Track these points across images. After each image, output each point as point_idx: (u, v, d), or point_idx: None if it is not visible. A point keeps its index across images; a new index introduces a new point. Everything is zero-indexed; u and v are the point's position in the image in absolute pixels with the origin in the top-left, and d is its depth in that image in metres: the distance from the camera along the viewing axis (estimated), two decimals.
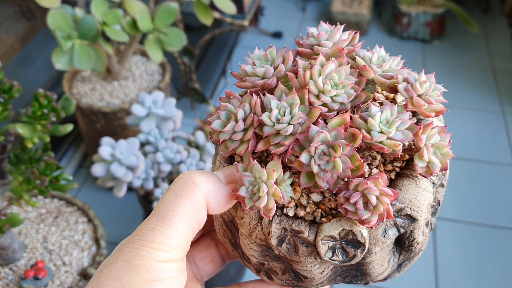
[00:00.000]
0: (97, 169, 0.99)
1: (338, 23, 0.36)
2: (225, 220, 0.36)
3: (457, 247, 1.44)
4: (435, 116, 0.32)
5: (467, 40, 2.25)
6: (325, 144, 0.30)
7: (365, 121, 0.30)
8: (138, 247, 0.28)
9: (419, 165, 0.31)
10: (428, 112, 0.32)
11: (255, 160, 0.31)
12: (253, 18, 2.21)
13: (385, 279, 0.35)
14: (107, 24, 1.12)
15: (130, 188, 1.07)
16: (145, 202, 1.17)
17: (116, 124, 1.41)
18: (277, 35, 2.26)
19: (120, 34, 1.13)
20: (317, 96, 0.31)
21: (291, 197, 0.31)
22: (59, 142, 1.66)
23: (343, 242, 0.31)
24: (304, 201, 0.32)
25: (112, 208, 1.50)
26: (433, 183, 0.33)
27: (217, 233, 0.38)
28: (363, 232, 0.30)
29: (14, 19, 1.50)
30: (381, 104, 0.34)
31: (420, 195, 0.31)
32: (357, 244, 0.31)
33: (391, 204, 0.30)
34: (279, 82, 0.33)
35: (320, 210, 0.32)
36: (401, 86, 0.32)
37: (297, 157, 0.30)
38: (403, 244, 0.34)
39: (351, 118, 0.31)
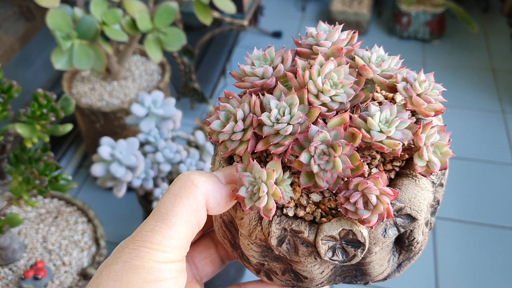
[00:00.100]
0: (97, 169, 0.99)
1: (337, 22, 0.36)
2: (224, 221, 0.36)
3: (457, 246, 1.44)
4: (435, 115, 0.32)
5: (467, 40, 2.25)
6: (325, 143, 0.30)
7: (365, 120, 0.30)
8: (138, 248, 0.28)
9: (419, 164, 0.30)
10: (427, 111, 0.32)
11: (254, 160, 0.31)
12: (253, 18, 2.21)
13: (385, 279, 0.35)
14: (107, 24, 1.12)
15: (130, 188, 1.07)
16: (145, 202, 1.17)
17: (115, 124, 1.41)
18: (277, 34, 2.26)
19: (120, 34, 1.13)
20: (317, 96, 0.31)
21: (291, 197, 0.31)
22: (58, 142, 1.66)
23: (343, 242, 0.30)
24: (304, 201, 0.32)
25: (112, 208, 1.50)
26: (433, 182, 0.33)
27: (217, 233, 0.38)
28: (363, 231, 0.30)
29: (14, 19, 1.50)
30: (380, 103, 0.34)
31: (420, 195, 0.31)
32: (357, 244, 0.30)
33: (391, 203, 0.30)
34: (278, 82, 0.32)
35: (320, 210, 0.32)
36: (400, 86, 0.32)
37: (297, 157, 0.30)
38: (403, 243, 0.34)
39: (350, 117, 0.31)
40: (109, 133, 1.38)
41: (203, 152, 1.11)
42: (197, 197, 0.30)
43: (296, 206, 0.32)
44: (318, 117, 0.31)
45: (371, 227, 0.30)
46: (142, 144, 1.07)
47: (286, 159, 0.31)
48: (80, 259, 0.92)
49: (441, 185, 0.34)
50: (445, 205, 1.55)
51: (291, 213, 0.31)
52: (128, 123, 1.10)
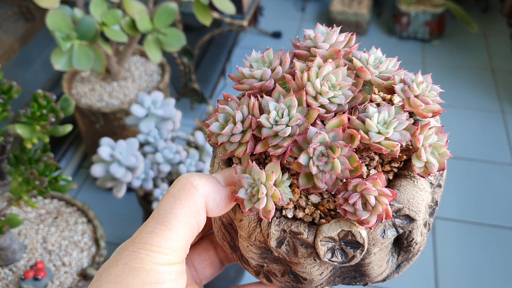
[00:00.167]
0: (97, 170, 0.99)
1: (334, 25, 0.36)
2: (223, 223, 0.36)
3: (456, 246, 1.44)
4: (432, 116, 0.33)
5: (467, 40, 2.26)
6: (324, 145, 0.30)
7: (363, 122, 0.31)
8: (138, 250, 0.28)
9: (417, 165, 0.31)
10: (425, 112, 0.32)
11: (253, 162, 0.31)
12: (252, 18, 2.21)
13: (384, 279, 0.35)
14: (106, 25, 1.12)
15: (130, 189, 1.07)
16: (145, 202, 1.17)
17: (115, 124, 1.41)
18: (277, 35, 2.26)
19: (119, 34, 1.13)
20: (315, 98, 0.31)
21: (290, 198, 0.31)
22: (58, 143, 1.66)
23: (342, 243, 0.31)
24: (303, 202, 0.32)
25: (112, 208, 1.50)
26: (431, 183, 0.33)
27: (216, 236, 0.38)
28: (362, 232, 0.30)
29: (13, 20, 1.50)
30: (378, 105, 0.34)
31: (418, 195, 0.31)
32: (356, 245, 0.31)
33: (390, 204, 0.30)
34: (276, 84, 0.33)
35: (319, 212, 0.32)
36: (398, 87, 0.32)
37: (296, 158, 0.30)
38: (401, 244, 0.34)
39: (348, 119, 0.31)
40: (109, 134, 1.38)
41: (203, 152, 1.11)
42: (197, 199, 0.30)
43: (295, 207, 0.32)
44: (316, 118, 0.31)
45: (370, 228, 0.30)
46: (141, 145, 1.07)
47: (285, 161, 0.32)
48: (80, 260, 0.93)
49: (439, 186, 0.34)
50: (445, 205, 1.55)
51: (290, 215, 0.31)
52: (128, 123, 1.10)
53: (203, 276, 0.39)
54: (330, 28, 0.36)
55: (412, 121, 0.34)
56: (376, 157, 0.33)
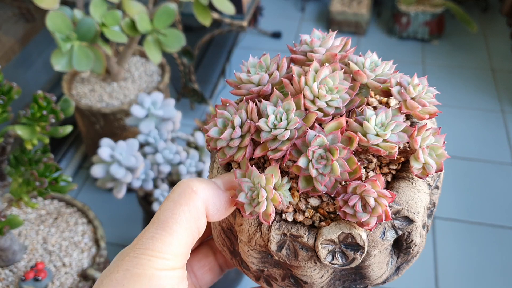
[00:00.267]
0: (97, 170, 0.99)
1: (330, 30, 0.36)
2: (223, 228, 0.36)
3: (456, 246, 1.44)
4: (429, 118, 0.33)
5: (466, 40, 2.26)
6: (322, 148, 0.30)
7: (361, 124, 0.31)
8: (139, 256, 0.28)
9: (415, 166, 0.31)
10: (422, 114, 0.33)
11: (253, 166, 0.31)
12: (252, 19, 2.21)
13: (384, 282, 0.35)
14: (106, 26, 1.12)
15: (130, 189, 1.07)
16: (145, 203, 1.17)
17: (115, 125, 1.41)
18: (276, 35, 2.26)
19: (119, 35, 1.13)
20: (313, 101, 0.31)
21: (289, 202, 0.31)
22: (58, 144, 1.66)
23: (343, 246, 0.31)
24: (302, 205, 0.32)
25: (112, 209, 1.50)
26: (429, 184, 0.33)
27: (216, 241, 0.38)
28: (362, 234, 0.30)
29: (13, 21, 1.51)
30: (374, 108, 0.34)
31: (417, 197, 0.32)
32: (356, 247, 0.31)
33: (389, 206, 0.30)
34: (274, 88, 0.33)
35: (318, 214, 0.32)
36: (394, 90, 0.32)
37: (295, 162, 0.30)
38: (401, 246, 0.34)
39: (346, 122, 0.31)
40: (109, 134, 1.38)
41: (203, 153, 1.11)
42: (197, 204, 0.30)
43: (295, 211, 0.32)
44: (314, 122, 0.31)
45: (370, 230, 0.30)
46: (141, 145, 1.07)
47: (284, 164, 0.32)
48: (80, 260, 0.93)
49: (437, 187, 0.35)
50: (444, 205, 1.55)
51: (290, 218, 0.32)
52: (128, 124, 1.10)
53: (203, 282, 0.39)
54: (325, 33, 0.36)
55: (409, 123, 0.34)
56: (374, 160, 0.33)
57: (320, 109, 0.31)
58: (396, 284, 1.32)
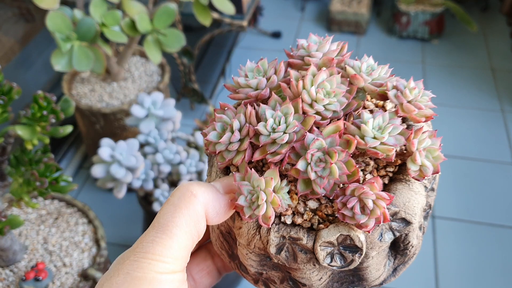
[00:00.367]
0: (97, 170, 0.99)
1: (327, 35, 0.36)
2: (222, 232, 0.36)
3: (456, 245, 1.44)
4: (425, 121, 0.33)
5: (466, 39, 2.26)
6: (321, 151, 0.30)
7: (358, 127, 0.31)
8: (139, 259, 0.28)
9: (412, 168, 0.31)
10: (418, 117, 0.33)
11: (252, 169, 0.31)
12: (252, 18, 2.21)
13: (381, 283, 0.35)
14: (106, 26, 1.12)
15: (130, 189, 1.08)
16: (145, 203, 1.17)
17: (115, 125, 1.41)
18: (276, 35, 2.27)
19: (119, 35, 1.14)
20: (311, 105, 0.32)
21: (288, 204, 0.32)
22: (59, 144, 1.66)
23: (341, 248, 0.31)
24: (301, 208, 0.32)
25: (112, 209, 1.50)
26: (425, 186, 0.33)
27: (214, 245, 0.38)
28: (360, 236, 0.31)
29: (13, 21, 1.51)
30: (371, 111, 0.34)
31: (414, 199, 0.32)
32: (355, 249, 0.31)
33: (387, 208, 0.30)
34: (272, 92, 0.33)
35: (317, 217, 0.32)
36: (391, 93, 0.33)
37: (293, 165, 0.30)
38: (398, 248, 0.34)
39: (344, 125, 0.31)
40: (109, 134, 1.38)
41: (203, 152, 1.11)
42: (197, 207, 0.30)
43: (293, 213, 0.32)
44: (313, 125, 0.31)
45: (368, 232, 0.30)
46: (142, 145, 1.08)
47: (283, 168, 0.32)
48: (80, 260, 0.93)
49: (433, 189, 0.35)
50: (445, 204, 1.55)
51: (289, 221, 0.32)
52: (128, 124, 1.10)
53: (201, 286, 0.39)
54: (322, 38, 0.36)
55: (406, 126, 0.34)
56: (372, 162, 0.33)
57: (318, 113, 0.32)
58: (397, 284, 1.32)
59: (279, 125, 0.31)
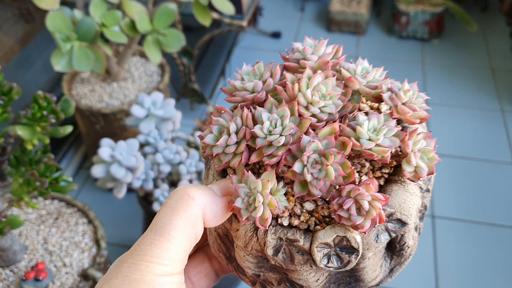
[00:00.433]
0: (97, 170, 0.99)
1: (322, 38, 0.37)
2: (219, 234, 0.37)
3: (456, 245, 1.45)
4: (420, 122, 0.34)
5: (466, 39, 2.26)
6: (317, 153, 0.30)
7: (354, 129, 0.31)
8: (137, 262, 0.29)
9: (407, 170, 0.32)
10: (412, 119, 0.33)
11: (249, 171, 0.31)
12: (252, 19, 2.22)
13: (377, 284, 0.35)
14: (106, 26, 1.12)
15: (130, 189, 1.08)
16: (145, 203, 1.17)
17: (115, 125, 1.41)
18: (276, 35, 2.27)
19: (119, 35, 1.14)
20: (306, 108, 0.32)
21: (285, 206, 0.32)
22: (59, 144, 1.67)
23: (338, 249, 0.31)
24: (297, 210, 0.32)
25: (112, 209, 1.50)
26: (420, 187, 0.34)
27: (211, 247, 0.39)
28: (356, 237, 0.31)
29: (13, 21, 1.51)
30: (366, 113, 0.35)
31: (409, 200, 0.32)
32: (351, 250, 0.31)
33: (382, 209, 0.31)
34: (268, 95, 0.33)
35: (313, 219, 0.32)
36: (386, 95, 0.33)
37: (290, 167, 0.31)
38: (394, 249, 0.34)
39: (339, 127, 0.31)
40: (109, 135, 1.39)
41: None
42: (194, 210, 0.31)
43: (290, 215, 0.33)
44: (308, 127, 0.32)
45: (365, 233, 0.31)
46: (142, 145, 1.08)
47: (279, 170, 0.32)
48: (80, 260, 0.93)
49: (428, 190, 0.35)
50: (444, 204, 1.56)
51: (285, 223, 0.32)
52: (128, 124, 1.11)
53: None
54: (317, 41, 0.36)
55: (400, 127, 0.35)
56: (367, 164, 0.33)
57: (313, 115, 0.32)
58: (397, 284, 1.33)
59: (276, 127, 0.31)
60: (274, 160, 0.31)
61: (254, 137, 0.32)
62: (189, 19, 1.65)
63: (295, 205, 0.33)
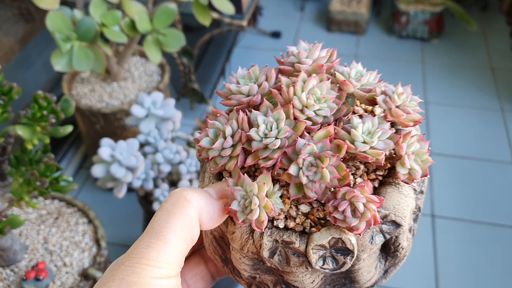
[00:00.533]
0: (97, 170, 1.00)
1: (316, 41, 0.37)
2: (215, 237, 0.37)
3: (456, 245, 1.45)
4: (413, 125, 0.34)
5: (466, 38, 2.26)
6: (312, 155, 0.31)
7: (348, 132, 0.32)
8: (134, 265, 0.29)
9: (402, 172, 0.32)
10: (406, 121, 0.34)
11: (245, 174, 0.32)
12: (252, 18, 2.22)
13: (372, 285, 0.36)
14: (106, 26, 1.13)
15: (130, 189, 1.08)
16: (145, 202, 1.18)
17: (115, 125, 1.42)
18: (276, 35, 2.27)
19: (119, 35, 1.14)
20: (302, 111, 0.32)
21: (281, 209, 0.32)
22: (59, 144, 1.67)
23: (333, 250, 0.32)
24: (293, 212, 0.33)
25: (112, 208, 1.51)
26: (414, 189, 0.34)
27: (207, 250, 0.39)
28: (351, 239, 0.31)
29: (13, 21, 1.51)
30: (360, 116, 0.35)
31: (403, 202, 0.33)
32: (346, 251, 0.32)
33: (377, 211, 0.31)
34: (263, 98, 0.34)
35: (309, 221, 0.33)
36: (380, 98, 0.33)
37: (285, 170, 0.31)
38: (388, 250, 0.35)
39: (334, 130, 0.32)
40: (109, 134, 1.39)
41: None
42: (190, 213, 0.31)
43: (286, 217, 0.33)
44: (304, 130, 0.32)
45: (359, 234, 0.31)
46: (142, 145, 1.08)
47: (275, 173, 0.33)
48: (81, 260, 0.94)
49: (422, 192, 0.36)
50: (444, 204, 1.56)
51: (281, 225, 0.32)
52: (128, 124, 1.11)
53: None
54: (312, 45, 0.37)
55: (394, 130, 0.35)
56: (362, 166, 0.34)
57: (308, 118, 0.32)
58: (397, 284, 1.33)
59: (271, 130, 0.31)
60: (269, 163, 0.31)
61: (249, 140, 0.32)
62: (189, 18, 1.65)
63: (290, 207, 0.33)
